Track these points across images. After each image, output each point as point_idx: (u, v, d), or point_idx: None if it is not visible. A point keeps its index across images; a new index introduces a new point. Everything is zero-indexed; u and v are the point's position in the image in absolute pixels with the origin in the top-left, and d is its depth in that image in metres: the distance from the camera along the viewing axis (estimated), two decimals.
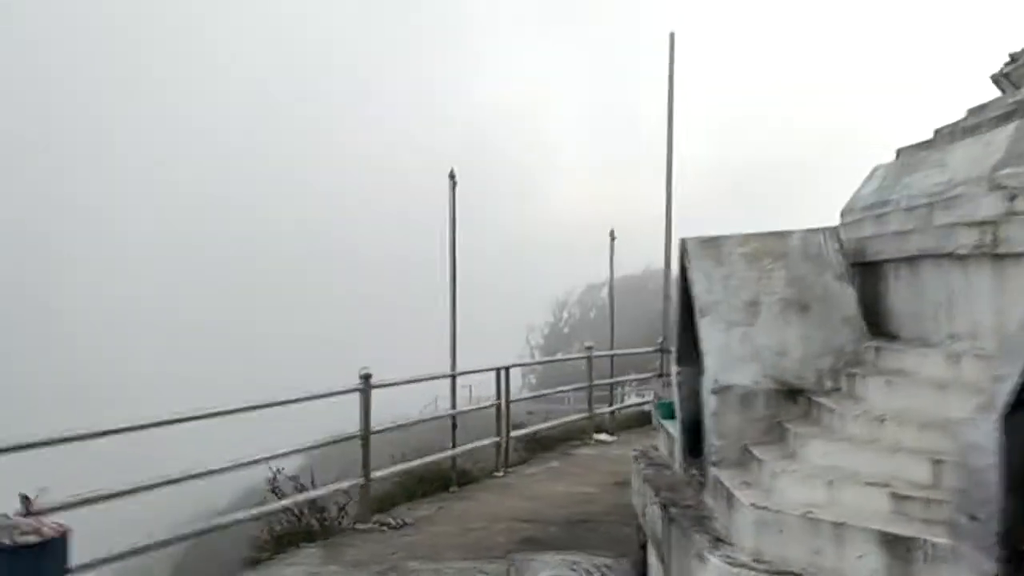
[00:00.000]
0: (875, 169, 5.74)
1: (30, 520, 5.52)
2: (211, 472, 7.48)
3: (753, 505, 3.83)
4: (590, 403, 13.94)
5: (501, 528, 8.84)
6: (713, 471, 4.54)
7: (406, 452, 10.97)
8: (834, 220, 5.76)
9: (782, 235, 5.09)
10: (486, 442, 11.38)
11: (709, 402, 4.66)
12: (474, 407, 12.21)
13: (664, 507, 4.80)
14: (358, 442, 9.08)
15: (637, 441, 14.17)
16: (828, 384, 4.67)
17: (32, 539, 5.36)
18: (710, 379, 4.67)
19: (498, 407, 11.28)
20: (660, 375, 15.70)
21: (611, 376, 15.15)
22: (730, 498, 4.12)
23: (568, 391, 14.61)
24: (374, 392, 9.07)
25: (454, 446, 10.69)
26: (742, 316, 4.80)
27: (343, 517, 9.33)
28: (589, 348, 13.90)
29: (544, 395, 14.68)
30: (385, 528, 8.84)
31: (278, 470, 9.13)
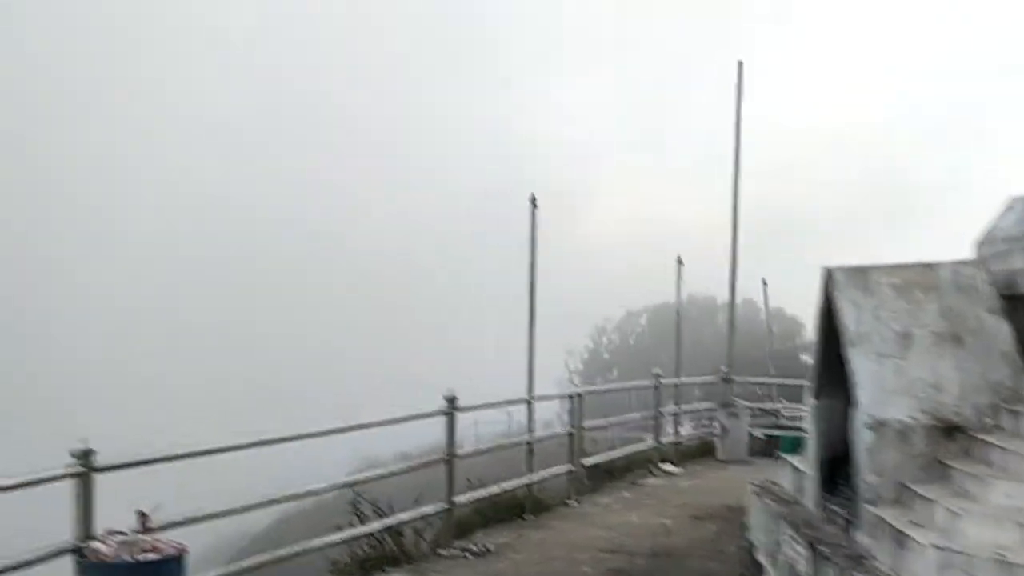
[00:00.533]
0: (1013, 201, 5.59)
1: (149, 537, 5.48)
2: (310, 493, 7.44)
3: (934, 546, 3.68)
4: (656, 432, 13.75)
5: (585, 558, 8.67)
6: (870, 509, 4.39)
7: (473, 477, 10.83)
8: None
9: (931, 266, 4.96)
10: (561, 470, 11.23)
11: (863, 437, 4.52)
12: (549, 433, 12.05)
13: (811, 545, 4.65)
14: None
15: (705, 473, 14.02)
16: (987, 421, 4.51)
17: (152, 556, 5.31)
18: (864, 413, 4.53)
19: (571, 435, 11.13)
20: (725, 405, 15.52)
21: (677, 404, 14.95)
22: (900, 538, 3.97)
23: (635, 418, 14.40)
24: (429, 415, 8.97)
25: (529, 472, 10.55)
26: (894, 348, 4.67)
27: (421, 542, 9.20)
28: (657, 375, 13.73)
29: (615, 423, 14.51)
30: (468, 555, 8.71)
31: (359, 493, 9.03)
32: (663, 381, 13.85)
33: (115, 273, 63.63)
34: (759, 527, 5.96)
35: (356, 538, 8.53)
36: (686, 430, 17.86)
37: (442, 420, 9.19)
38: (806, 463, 5.51)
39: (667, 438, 14.86)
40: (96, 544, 5.35)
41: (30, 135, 75.36)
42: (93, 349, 53.86)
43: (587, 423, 12.34)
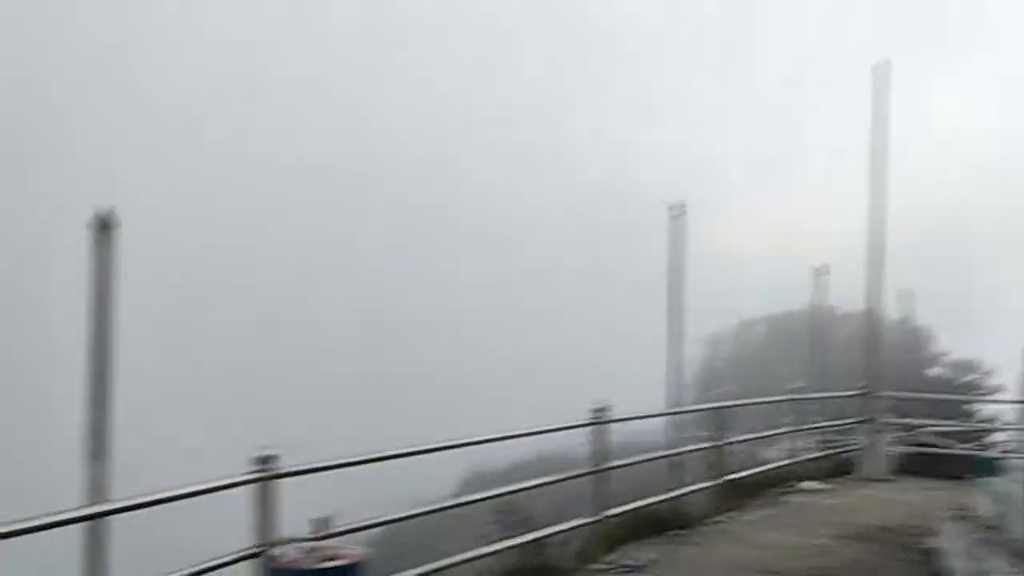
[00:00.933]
0: None
1: (328, 544, 5.52)
2: (464, 503, 7.44)
3: None
4: (796, 448, 13.31)
5: None
6: None
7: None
8: None
9: None
10: (704, 485, 10.98)
11: None
12: (697, 447, 11.77)
13: None
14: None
15: (847, 491, 13.47)
16: None
17: (334, 563, 5.34)
18: None
19: (717, 448, 10.86)
20: (865, 421, 14.92)
21: (819, 420, 14.46)
22: None
23: (781, 434, 13.99)
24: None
25: (675, 487, 10.35)
26: None
27: (567, 555, 9.09)
28: (794, 389, 13.29)
29: (761, 437, 14.17)
30: (619, 570, 8.55)
31: (509, 504, 9.02)
32: (800, 396, 13.39)
33: (281, 285, 63.59)
34: (958, 554, 5.61)
35: (502, 550, 8.49)
36: (803, 445, 17.28)
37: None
38: (1012, 488, 5.15)
39: (805, 454, 14.41)
40: (280, 549, 5.43)
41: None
42: (265, 355, 54.17)
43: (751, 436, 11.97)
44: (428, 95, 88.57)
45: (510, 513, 9.23)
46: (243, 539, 5.76)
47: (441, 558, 7.39)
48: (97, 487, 5.03)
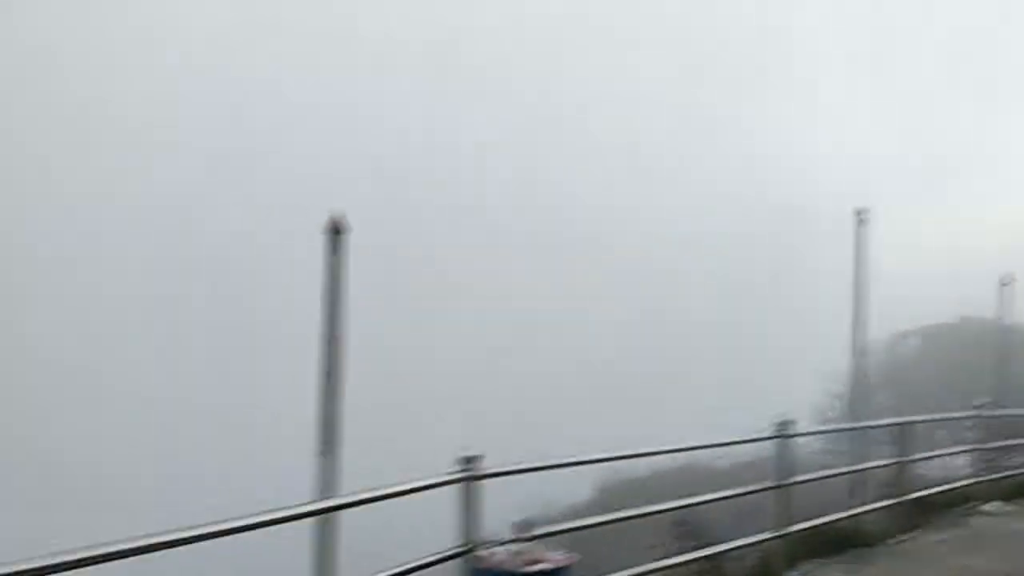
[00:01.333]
0: None
1: (534, 547, 5.57)
2: (641, 515, 7.38)
3: None
4: (985, 468, 12.58)
5: None
6: None
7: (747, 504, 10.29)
8: None
9: None
10: (886, 503, 10.53)
11: None
12: (882, 463, 11.28)
13: None
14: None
15: None
16: None
17: (542, 567, 5.38)
18: None
19: (900, 465, 10.38)
20: None
21: (1005, 438, 13.64)
22: None
23: (967, 451, 13.26)
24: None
25: (856, 504, 9.98)
26: None
27: (745, 570, 8.88)
28: (981, 405, 12.55)
29: (948, 454, 13.49)
30: None
31: (685, 516, 8.90)
32: (991, 413, 12.65)
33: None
34: None
35: (683, 563, 8.36)
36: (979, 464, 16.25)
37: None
38: None
39: (985, 473, 13.59)
40: (490, 551, 5.50)
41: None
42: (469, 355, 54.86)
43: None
44: (604, 98, 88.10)
45: (681, 524, 9.07)
46: (430, 538, 5.86)
47: (602, 566, 7.34)
48: (327, 482, 5.23)
